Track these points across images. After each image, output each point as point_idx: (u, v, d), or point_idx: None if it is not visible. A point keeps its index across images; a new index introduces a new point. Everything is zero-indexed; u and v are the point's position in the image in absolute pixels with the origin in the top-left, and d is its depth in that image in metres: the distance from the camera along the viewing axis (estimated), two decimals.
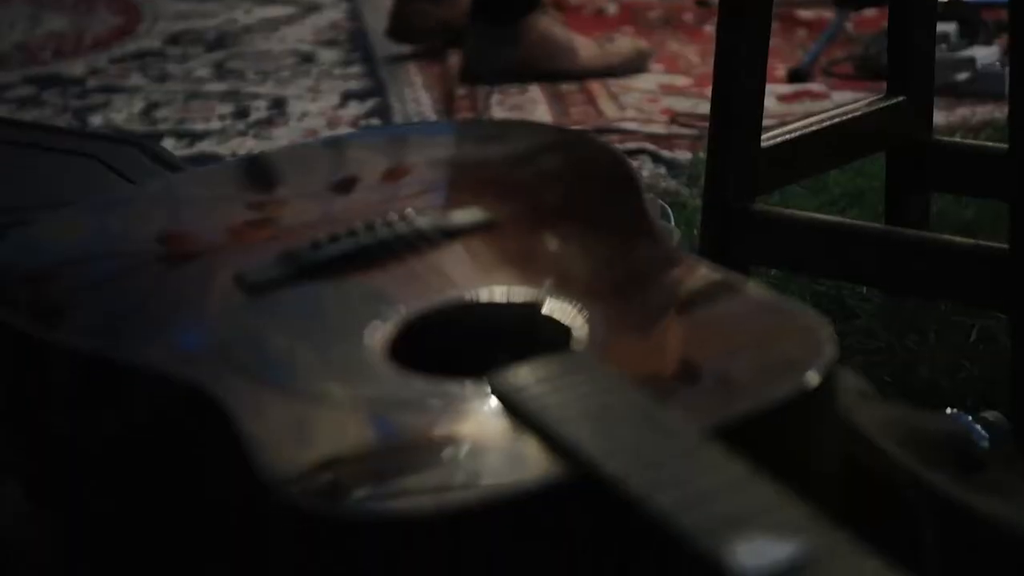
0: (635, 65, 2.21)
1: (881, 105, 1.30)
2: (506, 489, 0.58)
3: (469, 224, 0.79)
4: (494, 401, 0.64)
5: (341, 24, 2.61)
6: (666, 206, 1.45)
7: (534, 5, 2.19)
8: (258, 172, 0.96)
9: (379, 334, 0.70)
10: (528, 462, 0.60)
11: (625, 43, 2.27)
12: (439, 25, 2.27)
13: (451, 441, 0.63)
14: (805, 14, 2.49)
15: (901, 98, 1.31)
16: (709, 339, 0.69)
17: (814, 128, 1.24)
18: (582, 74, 2.16)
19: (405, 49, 2.29)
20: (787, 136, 1.22)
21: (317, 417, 0.66)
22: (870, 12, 2.31)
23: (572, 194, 0.86)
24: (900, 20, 1.31)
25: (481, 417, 0.64)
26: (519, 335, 0.71)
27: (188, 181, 0.99)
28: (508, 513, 0.58)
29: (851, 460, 0.73)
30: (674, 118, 1.98)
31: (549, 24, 2.16)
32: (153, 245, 0.84)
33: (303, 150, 1.09)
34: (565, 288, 0.73)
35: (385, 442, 0.65)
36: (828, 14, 2.39)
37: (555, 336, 0.70)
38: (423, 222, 0.79)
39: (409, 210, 0.80)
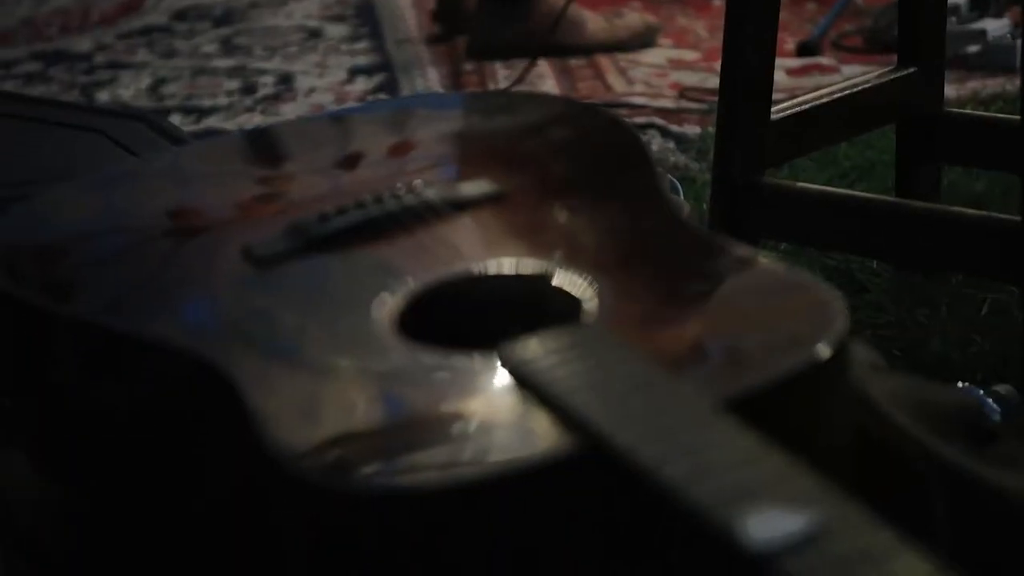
0: (644, 40, 2.19)
1: (892, 77, 1.29)
2: (515, 463, 0.58)
3: (478, 196, 0.79)
4: (503, 374, 0.63)
5: None
6: (675, 180, 1.44)
7: None
8: (264, 146, 0.95)
9: (387, 307, 0.69)
10: (537, 436, 0.60)
11: (634, 18, 2.25)
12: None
13: (460, 415, 0.63)
14: None
15: (912, 70, 1.30)
16: (720, 311, 0.69)
17: (824, 100, 1.24)
18: (591, 48, 2.15)
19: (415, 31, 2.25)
20: (796, 109, 1.21)
21: (325, 391, 0.66)
22: None
23: (581, 166, 0.85)
24: None
25: (490, 390, 0.64)
26: (529, 307, 0.71)
27: (193, 155, 0.99)
28: (517, 487, 0.57)
29: (863, 432, 0.73)
30: (683, 92, 1.97)
31: (558, 2, 2.15)
32: (159, 219, 0.83)
33: (309, 124, 1.09)
34: (575, 260, 0.73)
35: (393, 417, 0.64)
36: None
37: (565, 308, 0.69)
38: (431, 194, 0.78)
39: (417, 182, 0.80)
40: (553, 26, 2.08)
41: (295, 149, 0.91)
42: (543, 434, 0.60)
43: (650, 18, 2.27)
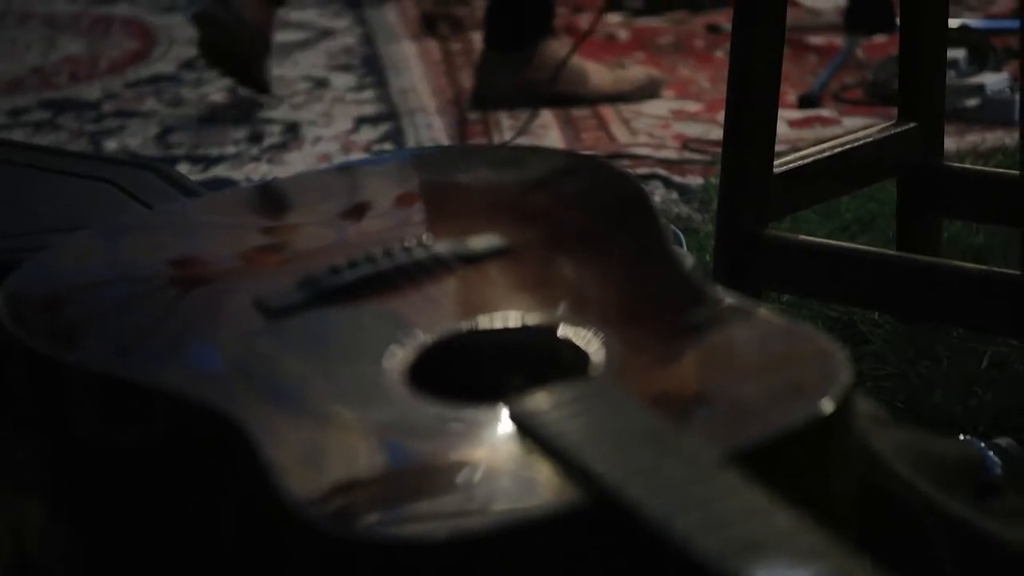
0: (647, 92, 2.21)
1: (892, 132, 1.31)
2: (521, 514, 0.59)
3: (485, 250, 0.80)
4: (511, 426, 0.64)
5: (354, 49, 2.63)
6: (679, 232, 1.45)
7: (546, 31, 2.19)
8: (273, 198, 0.97)
9: (397, 359, 0.70)
10: (544, 488, 0.61)
11: (638, 70, 2.27)
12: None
13: (467, 467, 0.63)
14: (815, 40, 2.50)
15: (912, 124, 1.32)
16: (725, 364, 0.70)
17: (826, 154, 1.25)
18: (594, 99, 2.17)
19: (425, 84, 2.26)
20: (800, 162, 1.23)
21: (334, 441, 0.67)
22: (880, 38, 2.32)
23: (587, 220, 0.87)
24: (911, 47, 1.32)
25: (497, 443, 0.65)
26: (537, 360, 0.72)
27: (203, 206, 1.00)
28: (523, 539, 0.58)
29: (867, 485, 0.73)
30: (686, 144, 1.99)
31: (561, 49, 2.17)
32: (173, 270, 0.84)
33: (316, 176, 1.10)
34: (581, 313, 0.74)
35: (400, 466, 0.65)
36: (838, 40, 2.40)
37: (572, 361, 0.70)
38: (440, 248, 0.80)
39: (426, 236, 0.81)
40: (555, 77, 2.10)
41: (305, 201, 0.92)
42: (550, 487, 0.61)
43: (654, 71, 2.29)
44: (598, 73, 2.19)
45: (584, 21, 2.73)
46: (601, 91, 2.16)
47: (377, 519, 0.60)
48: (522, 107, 2.10)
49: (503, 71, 2.16)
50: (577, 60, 2.16)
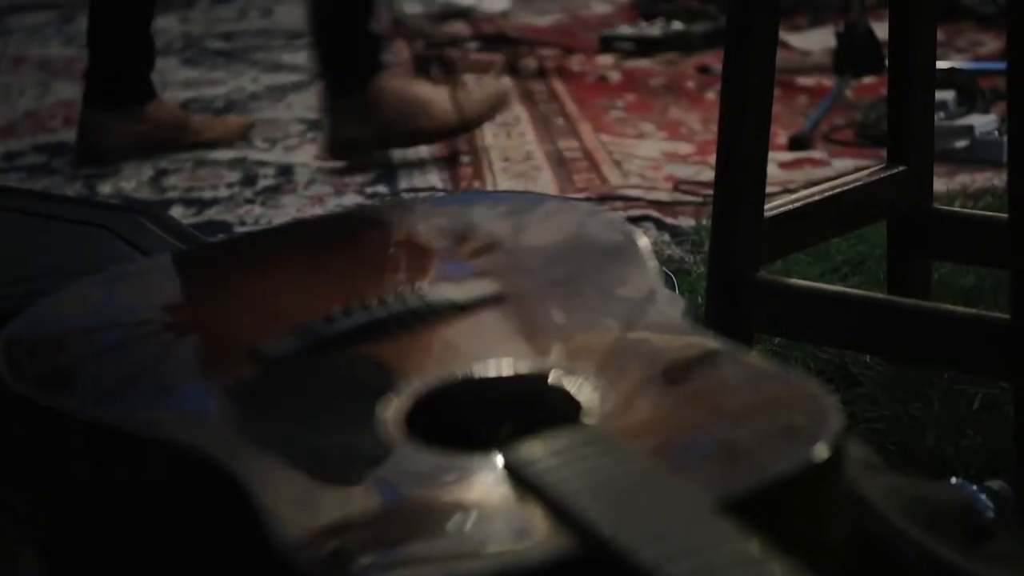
0: (494, 110, 2.16)
1: (882, 175, 1.32)
2: (513, 560, 0.59)
3: (478, 298, 0.81)
4: (503, 473, 0.65)
5: None
6: (670, 274, 1.46)
7: (376, 69, 2.11)
8: (267, 246, 0.97)
9: (391, 407, 0.71)
10: (536, 534, 0.61)
11: (480, 89, 2.19)
12: (136, 141, 2.21)
13: (460, 512, 0.64)
14: (805, 81, 2.51)
15: (902, 167, 1.33)
16: (717, 410, 0.70)
17: (817, 198, 1.26)
18: (440, 132, 2.10)
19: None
20: (791, 205, 1.24)
21: (327, 487, 0.67)
22: (869, 79, 2.34)
23: (579, 265, 0.87)
24: (899, 90, 1.33)
25: (491, 489, 0.65)
26: (529, 407, 0.72)
27: (197, 254, 1.01)
28: None
29: (859, 531, 0.74)
30: (677, 185, 2.00)
31: (398, 84, 2.11)
32: (164, 317, 0.85)
33: (308, 223, 1.11)
34: (573, 360, 0.75)
35: (393, 512, 0.65)
36: (828, 81, 2.41)
37: (564, 408, 0.71)
38: (433, 295, 0.80)
39: (420, 284, 0.81)
40: (395, 115, 2.05)
41: (299, 248, 0.93)
42: (543, 533, 0.61)
43: (499, 84, 2.21)
44: (440, 101, 2.10)
45: (575, 63, 2.75)
46: (446, 120, 2.10)
47: (370, 563, 0.61)
48: (381, 149, 2.09)
49: (348, 118, 2.09)
50: (418, 89, 2.11)
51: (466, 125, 2.12)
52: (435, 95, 2.12)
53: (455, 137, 2.11)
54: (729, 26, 1.19)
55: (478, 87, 2.22)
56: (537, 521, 0.62)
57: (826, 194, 1.27)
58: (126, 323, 0.84)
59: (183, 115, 2.31)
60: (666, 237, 1.78)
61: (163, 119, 2.25)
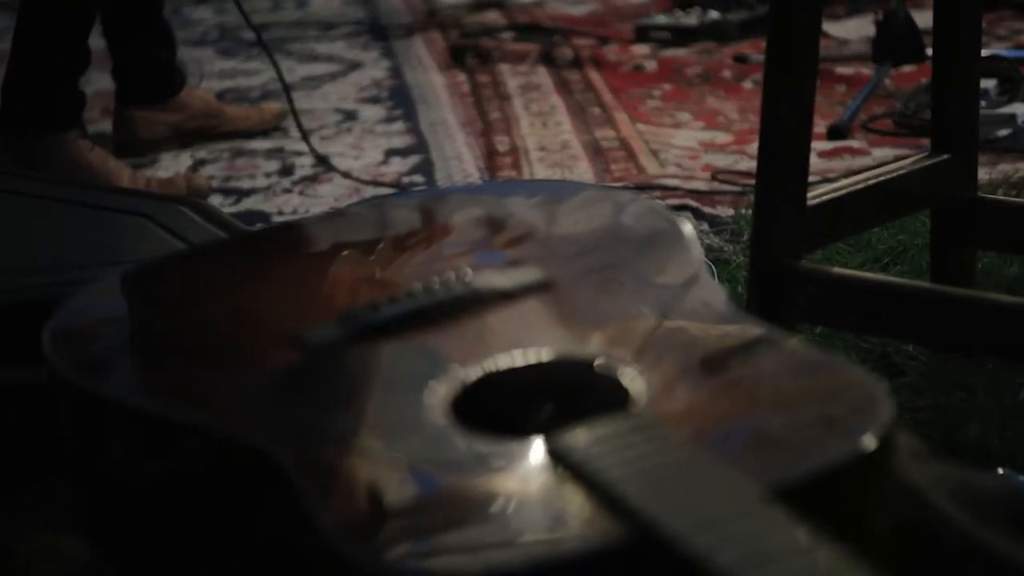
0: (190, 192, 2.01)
1: (926, 163, 1.31)
2: (558, 549, 0.59)
3: (523, 285, 0.81)
4: (549, 461, 0.65)
5: (383, 82, 2.64)
6: (710, 263, 1.45)
7: (66, 126, 1.97)
8: (310, 235, 0.97)
9: (438, 393, 0.71)
10: (582, 523, 0.61)
11: (179, 181, 2.05)
12: (168, 131, 2.22)
13: (503, 500, 0.64)
14: (844, 70, 2.50)
15: (945, 156, 1.32)
16: (766, 399, 0.70)
17: (860, 186, 1.25)
18: None
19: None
20: (833, 194, 1.23)
21: (372, 475, 0.67)
22: (908, 68, 2.32)
23: (623, 253, 0.87)
24: (943, 79, 1.32)
25: (536, 477, 0.65)
26: (576, 394, 0.72)
27: (241, 243, 1.01)
28: (560, 574, 0.58)
29: (907, 520, 0.73)
30: (715, 174, 1.99)
31: (84, 151, 1.98)
32: (209, 306, 0.85)
33: (352, 212, 1.11)
34: (619, 347, 0.74)
35: (435, 499, 0.65)
36: (866, 70, 2.40)
37: (612, 396, 0.71)
38: (478, 283, 0.80)
39: (465, 271, 0.81)
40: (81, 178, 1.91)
41: (342, 237, 0.93)
42: (588, 522, 0.61)
43: (199, 180, 2.06)
44: (129, 178, 2.01)
45: (611, 53, 2.74)
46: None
47: (407, 551, 0.61)
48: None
49: (13, 162, 1.95)
50: (102, 161, 2.00)
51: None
52: (116, 170, 2.01)
53: None
54: (771, 14, 1.18)
55: (165, 181, 2.06)
56: (582, 509, 0.62)
57: (869, 183, 1.26)
58: (170, 311, 0.84)
59: (215, 103, 2.30)
60: (704, 227, 1.77)
61: (195, 107, 2.25)
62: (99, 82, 2.51)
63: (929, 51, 2.20)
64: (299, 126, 2.19)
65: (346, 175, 2.05)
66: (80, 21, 2.01)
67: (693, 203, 1.87)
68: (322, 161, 2.11)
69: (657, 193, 1.91)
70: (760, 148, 1.21)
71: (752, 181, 1.92)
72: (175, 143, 2.21)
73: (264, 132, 2.28)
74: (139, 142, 2.20)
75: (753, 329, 0.76)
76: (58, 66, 1.99)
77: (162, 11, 2.23)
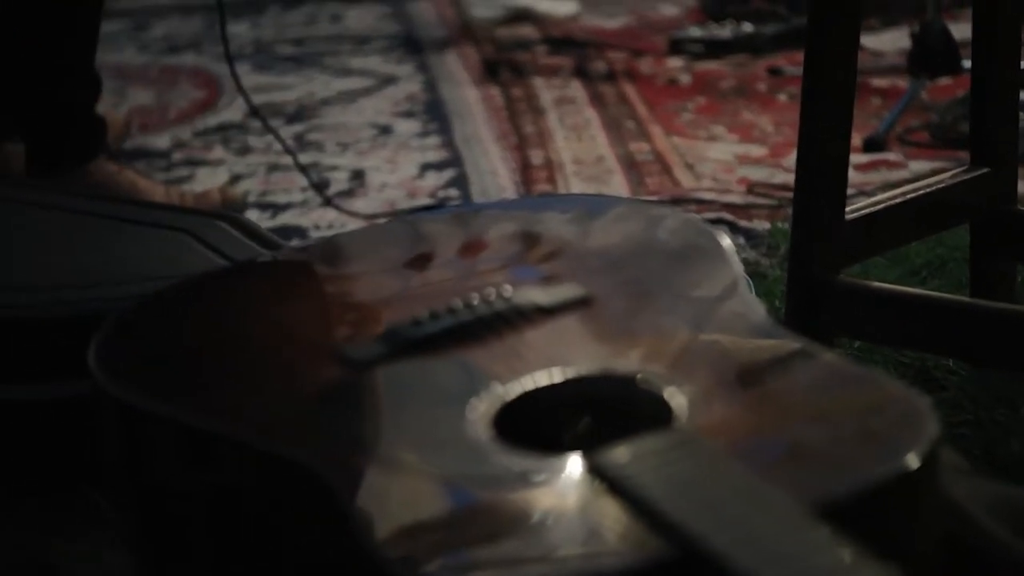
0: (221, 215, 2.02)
1: (965, 177, 1.30)
2: (602, 566, 0.59)
3: (564, 300, 0.81)
4: (592, 477, 0.65)
5: (417, 96, 2.65)
6: (747, 277, 1.45)
7: (91, 154, 2.00)
8: (351, 250, 0.98)
9: (480, 409, 0.71)
10: (626, 540, 0.61)
11: (214, 194, 2.04)
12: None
13: (545, 517, 0.64)
14: (879, 82, 2.49)
15: (985, 169, 1.31)
16: (811, 414, 0.70)
17: (899, 200, 1.25)
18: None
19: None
20: (872, 208, 1.23)
21: (414, 489, 0.68)
22: (945, 80, 2.31)
23: (663, 267, 0.87)
24: (981, 91, 1.32)
25: (578, 494, 0.65)
26: (618, 410, 0.72)
27: (282, 259, 1.02)
28: None
29: (951, 537, 0.73)
30: (751, 188, 1.99)
31: (114, 174, 1.99)
32: (252, 321, 0.86)
33: (392, 227, 1.11)
34: (662, 362, 0.74)
35: (474, 514, 0.66)
36: (901, 82, 2.39)
37: (655, 411, 0.71)
38: (519, 298, 0.80)
39: (506, 286, 0.82)
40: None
41: (383, 252, 0.93)
42: (632, 539, 0.61)
43: (233, 192, 2.07)
44: (161, 195, 2.01)
45: (645, 66, 2.74)
46: (154, 196, 1.99)
47: (445, 564, 0.61)
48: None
49: None
50: (130, 181, 1.99)
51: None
52: (149, 188, 2.02)
53: None
54: (809, 27, 1.18)
55: (209, 192, 2.07)
56: (622, 525, 0.62)
57: (908, 196, 1.25)
58: (213, 326, 0.85)
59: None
60: (741, 240, 1.77)
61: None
62: (139, 97, 2.54)
63: (966, 63, 2.21)
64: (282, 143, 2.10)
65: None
66: (84, 48, 1.98)
67: (729, 217, 1.87)
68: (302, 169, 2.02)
69: (692, 207, 1.91)
70: (798, 161, 1.20)
71: (788, 194, 1.93)
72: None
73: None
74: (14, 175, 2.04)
75: (794, 343, 0.75)
76: (73, 98, 1.97)
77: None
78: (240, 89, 2.09)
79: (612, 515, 0.62)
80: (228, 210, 1.94)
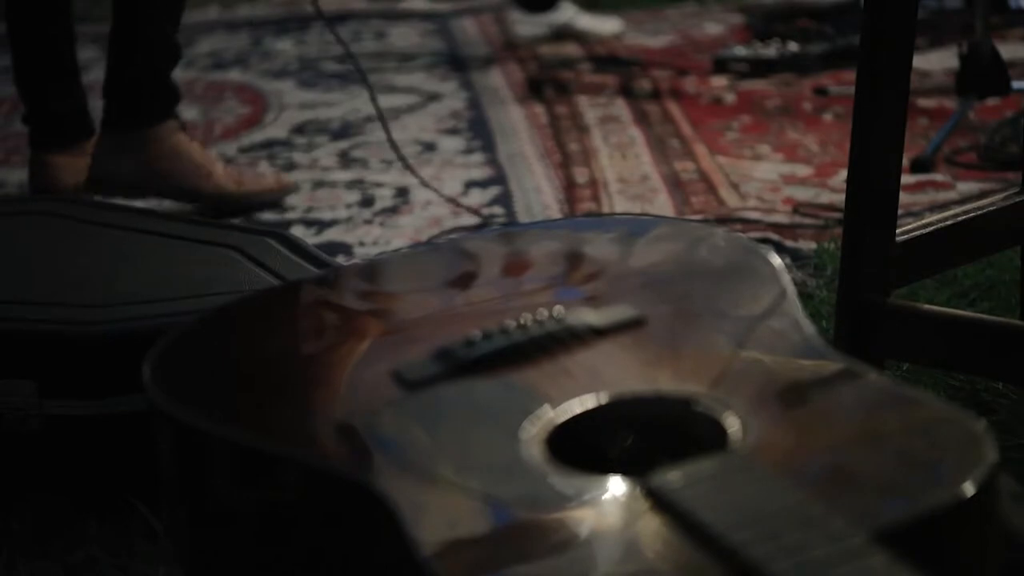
0: (273, 198, 2.11)
1: (1017, 199, 1.29)
2: None
3: (618, 322, 0.81)
4: (648, 500, 0.64)
5: (461, 113, 2.66)
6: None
7: (163, 116, 2.07)
8: (403, 270, 0.98)
9: (533, 431, 0.71)
10: (679, 566, 0.61)
11: (269, 177, 2.17)
12: (86, 175, 2.11)
13: (600, 539, 0.64)
14: (926, 103, 2.48)
15: None
16: (868, 438, 0.69)
17: (949, 223, 1.24)
18: (217, 196, 2.08)
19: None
20: (923, 231, 1.22)
21: (468, 510, 0.68)
22: (993, 100, 2.29)
23: (714, 288, 0.87)
24: None
25: (633, 516, 0.65)
26: (673, 432, 0.72)
27: (336, 278, 1.02)
28: None
29: (1010, 566, 0.72)
30: (797, 208, 1.98)
31: (183, 141, 2.09)
32: (307, 341, 0.86)
33: (441, 248, 1.12)
34: (717, 385, 0.74)
35: (524, 534, 0.66)
36: (949, 103, 2.37)
37: (710, 434, 0.70)
38: (572, 319, 0.80)
39: (558, 307, 0.82)
40: (176, 167, 2.03)
41: (435, 273, 0.93)
42: (686, 564, 0.61)
43: (288, 180, 2.18)
44: (223, 172, 2.10)
45: (689, 85, 2.74)
46: (224, 191, 2.08)
47: None
48: (139, 196, 2.03)
49: (114, 153, 2.06)
50: (204, 155, 2.10)
51: (241, 200, 2.09)
52: (220, 167, 2.10)
53: (226, 207, 2.07)
54: (863, 46, 1.18)
55: (270, 176, 2.18)
56: (675, 549, 0.62)
57: (959, 219, 1.24)
58: (267, 345, 0.85)
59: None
60: (787, 260, 1.76)
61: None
62: (184, 113, 2.56)
63: (1015, 84, 2.19)
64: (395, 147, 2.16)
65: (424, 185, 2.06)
66: (169, 17, 2.08)
67: (775, 236, 1.86)
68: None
69: (738, 226, 1.91)
70: (849, 183, 1.20)
71: (834, 214, 1.92)
72: (90, 190, 2.11)
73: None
74: (58, 188, 2.10)
75: (848, 364, 0.75)
76: (154, 62, 2.06)
77: (75, 60, 2.15)
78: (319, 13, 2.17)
79: (662, 537, 0.62)
80: (282, 195, 2.12)
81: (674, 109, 2.58)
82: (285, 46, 3.29)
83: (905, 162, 2.10)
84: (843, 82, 2.60)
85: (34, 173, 2.16)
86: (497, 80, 2.88)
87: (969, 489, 0.63)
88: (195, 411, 0.76)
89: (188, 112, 2.69)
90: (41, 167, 2.15)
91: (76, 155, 2.15)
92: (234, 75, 3.03)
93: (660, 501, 0.64)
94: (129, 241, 1.32)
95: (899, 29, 1.15)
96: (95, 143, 2.10)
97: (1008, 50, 2.09)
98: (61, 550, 1.01)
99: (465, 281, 0.93)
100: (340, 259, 1.80)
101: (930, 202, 1.95)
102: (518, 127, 2.53)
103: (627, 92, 2.70)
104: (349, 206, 2.12)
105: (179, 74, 2.15)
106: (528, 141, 2.42)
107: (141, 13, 2.06)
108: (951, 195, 1.99)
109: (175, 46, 2.10)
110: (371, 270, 0.99)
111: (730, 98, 2.65)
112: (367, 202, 2.13)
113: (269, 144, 2.50)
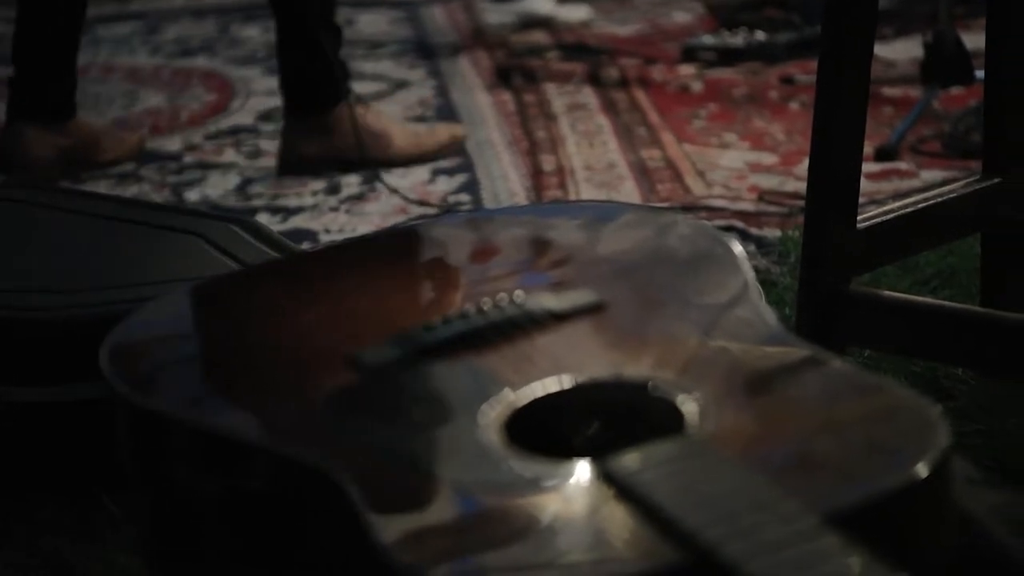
0: (449, 151, 2.25)
1: (977, 186, 1.30)
2: (601, 571, 0.60)
3: (577, 306, 0.81)
4: (605, 483, 0.65)
5: (429, 101, 2.65)
6: (758, 284, 1.45)
7: (340, 97, 2.19)
8: (362, 255, 0.98)
9: (492, 415, 0.71)
10: (636, 547, 0.61)
11: (442, 131, 2.31)
12: (57, 153, 2.18)
13: (555, 522, 0.64)
14: (891, 91, 2.49)
15: (996, 179, 1.31)
16: (822, 422, 0.70)
17: (910, 209, 1.25)
18: (398, 161, 2.20)
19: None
20: (884, 217, 1.23)
21: (424, 493, 0.68)
22: (957, 90, 2.31)
23: (674, 274, 0.87)
24: (995, 100, 1.32)
25: (589, 499, 0.65)
26: (629, 417, 0.72)
27: (294, 263, 1.02)
28: None
29: (963, 547, 0.73)
30: (762, 195, 1.99)
31: (360, 116, 2.20)
32: (264, 325, 0.86)
33: (403, 233, 1.12)
34: (673, 369, 0.74)
35: (482, 519, 0.66)
36: (914, 92, 2.39)
37: (665, 419, 0.71)
38: (532, 304, 0.80)
39: (518, 292, 0.82)
40: (359, 142, 2.14)
41: (395, 258, 0.93)
42: (642, 545, 0.61)
43: (458, 130, 2.32)
44: (401, 136, 2.24)
45: (657, 73, 2.75)
46: (405, 154, 2.21)
47: (454, 570, 0.61)
48: (328, 172, 2.15)
49: (301, 137, 2.20)
50: (380, 123, 2.23)
51: (423, 159, 2.22)
52: (397, 131, 2.25)
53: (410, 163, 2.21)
54: (824, 36, 1.18)
55: (442, 130, 2.32)
56: (631, 532, 0.62)
57: (920, 206, 1.25)
58: (225, 330, 0.85)
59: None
60: (751, 248, 1.77)
61: (83, 135, 2.24)
62: (151, 99, 2.54)
63: (978, 73, 2.20)
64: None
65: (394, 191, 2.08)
66: (325, 2, 2.20)
67: (740, 224, 1.87)
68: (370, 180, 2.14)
69: (703, 214, 1.91)
70: (810, 170, 1.20)
71: (799, 202, 1.93)
72: (59, 166, 2.17)
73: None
74: (26, 160, 2.16)
75: (805, 351, 0.76)
76: (324, 51, 2.17)
77: (77, 45, 2.21)
78: None
79: (621, 521, 0.63)
80: (457, 146, 2.25)
81: (641, 97, 2.58)
82: (252, 33, 3.27)
83: (869, 150, 2.12)
84: (809, 71, 2.61)
85: (5, 140, 2.18)
86: (465, 68, 2.88)
87: (921, 472, 0.64)
88: (153, 396, 0.76)
89: (154, 99, 2.67)
90: (15, 136, 2.17)
91: (53, 132, 2.18)
92: (201, 62, 3.01)
93: (616, 485, 0.64)
94: (91, 227, 1.31)
95: (861, 17, 1.16)
96: (284, 133, 2.22)
97: (972, 40, 2.09)
98: (23, 538, 1.00)
99: (427, 266, 0.93)
100: (305, 246, 1.80)
101: (894, 190, 1.96)
102: (486, 115, 2.52)
103: (595, 80, 2.70)
104: (315, 193, 2.11)
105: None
106: (496, 129, 2.42)
107: (301, 10, 2.17)
108: (915, 183, 2.00)
109: (336, 29, 2.23)
110: (333, 255, 0.99)
111: (697, 87, 2.66)
112: (333, 189, 2.13)
113: (236, 131, 2.49)
